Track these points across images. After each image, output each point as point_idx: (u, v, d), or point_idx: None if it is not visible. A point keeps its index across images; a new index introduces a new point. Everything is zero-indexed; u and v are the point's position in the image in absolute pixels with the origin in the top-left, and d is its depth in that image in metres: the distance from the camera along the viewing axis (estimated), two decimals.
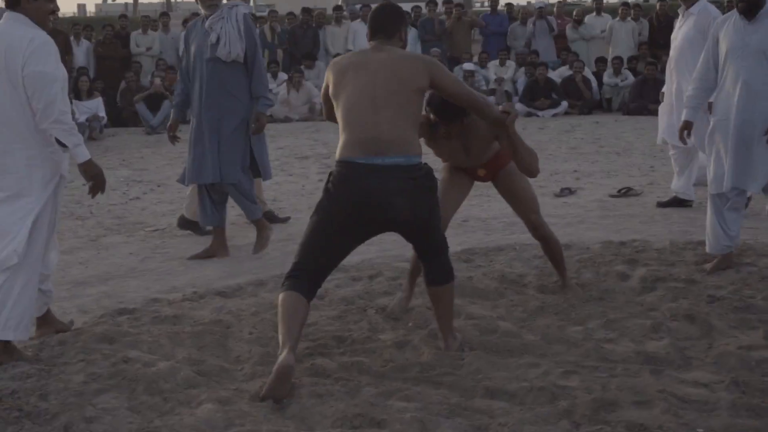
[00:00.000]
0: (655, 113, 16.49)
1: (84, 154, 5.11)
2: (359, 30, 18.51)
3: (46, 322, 5.50)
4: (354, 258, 6.90)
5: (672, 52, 8.72)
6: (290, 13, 20.33)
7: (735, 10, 6.50)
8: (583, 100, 17.41)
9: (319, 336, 5.28)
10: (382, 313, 5.66)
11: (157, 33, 18.80)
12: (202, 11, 7.40)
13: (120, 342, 5.16)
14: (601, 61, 18.40)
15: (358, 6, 21.42)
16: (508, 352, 5.00)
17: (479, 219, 8.58)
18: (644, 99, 16.48)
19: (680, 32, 8.61)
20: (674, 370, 4.71)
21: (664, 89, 8.92)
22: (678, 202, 8.84)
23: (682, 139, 6.84)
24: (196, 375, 4.68)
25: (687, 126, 6.81)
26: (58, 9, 5.31)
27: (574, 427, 4.03)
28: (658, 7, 20.22)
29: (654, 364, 4.79)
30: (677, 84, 8.57)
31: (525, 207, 5.87)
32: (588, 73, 17.82)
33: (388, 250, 7.34)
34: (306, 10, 19.84)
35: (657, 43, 18.46)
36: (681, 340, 5.09)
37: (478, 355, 4.88)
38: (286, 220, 8.78)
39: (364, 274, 6.54)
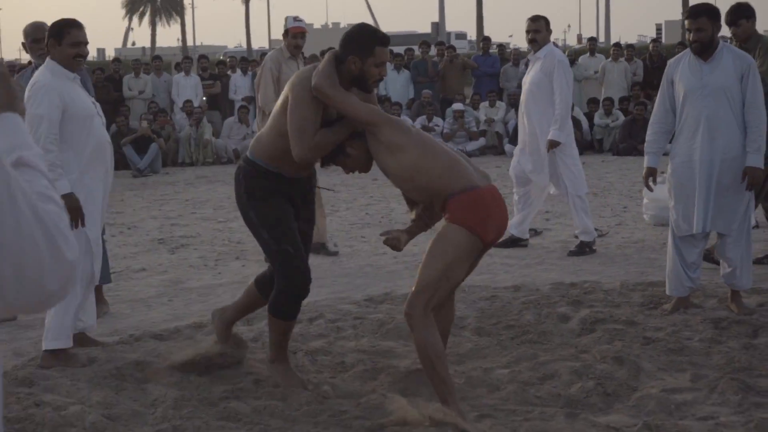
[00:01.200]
0: (643, 153, 16.62)
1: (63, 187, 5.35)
2: None
3: None
4: None
5: (522, 96, 8.82)
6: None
7: (687, 50, 6.41)
8: None
9: (240, 379, 5.21)
10: (312, 357, 5.61)
11: (150, 76, 18.92)
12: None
13: (39, 386, 5.11)
14: (593, 102, 18.38)
15: None
16: (429, 394, 4.93)
17: None
18: (633, 139, 16.44)
19: (529, 76, 8.70)
20: (592, 414, 4.64)
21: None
22: (512, 242, 8.77)
23: (648, 186, 6.69)
24: (104, 419, 4.62)
25: (651, 173, 6.61)
26: (83, 53, 5.62)
27: None
28: (650, 47, 20.24)
29: (572, 407, 4.71)
30: (529, 125, 8.70)
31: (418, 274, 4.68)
32: (579, 113, 17.76)
33: (337, 293, 7.30)
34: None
35: (651, 83, 18.46)
36: (606, 383, 5.00)
37: (396, 398, 4.81)
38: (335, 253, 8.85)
39: (304, 317, 6.46)
